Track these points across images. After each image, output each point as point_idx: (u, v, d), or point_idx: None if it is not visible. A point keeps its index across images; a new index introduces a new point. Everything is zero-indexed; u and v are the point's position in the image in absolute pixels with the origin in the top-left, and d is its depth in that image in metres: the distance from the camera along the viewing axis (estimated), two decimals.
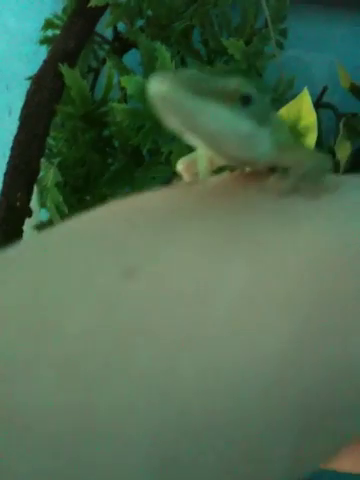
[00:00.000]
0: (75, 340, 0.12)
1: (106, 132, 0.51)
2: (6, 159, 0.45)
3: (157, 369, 0.12)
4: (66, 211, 0.51)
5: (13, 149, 0.45)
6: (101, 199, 0.52)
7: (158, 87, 0.14)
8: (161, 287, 0.14)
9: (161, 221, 0.16)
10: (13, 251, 0.15)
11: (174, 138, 0.49)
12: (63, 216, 0.51)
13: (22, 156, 0.44)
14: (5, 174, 0.44)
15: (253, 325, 0.13)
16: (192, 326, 0.13)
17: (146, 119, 0.46)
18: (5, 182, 0.44)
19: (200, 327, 0.13)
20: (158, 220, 0.16)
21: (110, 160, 0.51)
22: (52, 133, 0.48)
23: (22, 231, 0.45)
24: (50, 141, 0.49)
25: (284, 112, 0.39)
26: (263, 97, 0.16)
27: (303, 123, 0.39)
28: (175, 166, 0.48)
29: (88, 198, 0.53)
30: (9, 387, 0.11)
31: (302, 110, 0.40)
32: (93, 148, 0.51)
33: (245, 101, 0.16)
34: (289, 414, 0.13)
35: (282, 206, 0.16)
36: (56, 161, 0.49)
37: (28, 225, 0.47)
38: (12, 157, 0.44)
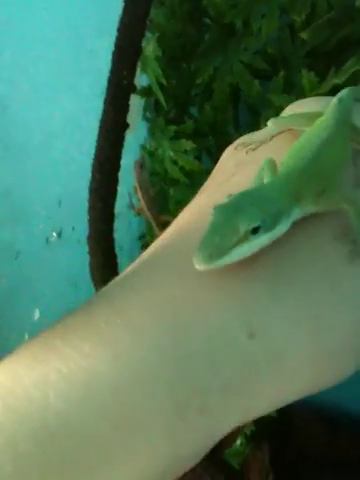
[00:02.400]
0: None
1: (202, 4, 0.54)
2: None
3: None
4: (164, 82, 0.57)
5: (119, 31, 0.50)
6: (196, 70, 0.57)
7: (197, 266, 0.20)
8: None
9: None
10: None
11: (264, 15, 0.52)
12: (162, 87, 0.57)
13: (127, 37, 0.50)
14: (113, 54, 0.51)
15: None
16: None
17: None
18: (113, 62, 0.51)
19: None
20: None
21: (205, 33, 0.55)
22: (153, 10, 0.52)
23: (128, 105, 0.53)
24: (151, 16, 0.53)
25: None
26: (274, 207, 0.21)
27: None
28: (266, 37, 0.55)
29: (184, 66, 0.58)
30: None
31: None
32: (190, 20, 0.54)
33: (255, 229, 0.21)
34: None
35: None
36: (156, 35, 0.54)
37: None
38: (118, 38, 0.50)
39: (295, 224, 0.22)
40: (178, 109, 0.61)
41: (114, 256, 0.54)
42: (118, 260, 0.57)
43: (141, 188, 0.63)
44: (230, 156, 0.31)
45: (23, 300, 0.54)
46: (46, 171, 0.57)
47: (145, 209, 0.63)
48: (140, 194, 0.63)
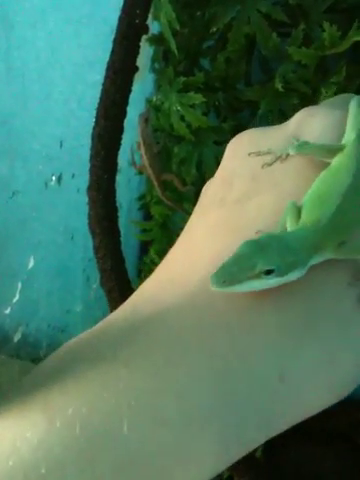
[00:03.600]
0: None
1: None
2: None
3: None
4: (177, 27, 0.54)
5: None
6: (210, 16, 0.54)
7: (211, 285, 0.23)
8: None
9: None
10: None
11: None
12: (174, 32, 0.54)
13: None
14: None
15: None
16: None
17: None
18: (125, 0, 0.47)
19: None
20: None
21: None
22: None
23: (139, 47, 0.49)
24: None
25: None
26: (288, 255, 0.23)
27: None
28: None
29: (199, 14, 0.55)
30: None
31: None
32: None
33: (269, 271, 0.23)
34: None
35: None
36: None
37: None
38: None
39: (313, 266, 0.25)
40: (189, 61, 0.58)
41: (115, 209, 0.51)
42: None
43: (144, 144, 0.59)
44: (241, 160, 0.31)
45: (18, 245, 0.51)
46: (49, 105, 0.53)
47: (147, 166, 0.60)
48: (143, 150, 0.60)
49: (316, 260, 0.24)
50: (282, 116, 0.57)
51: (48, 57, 0.58)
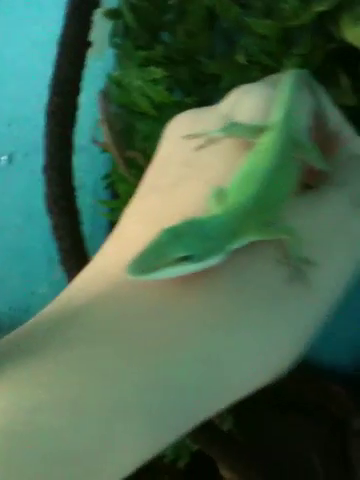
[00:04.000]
0: None
1: None
2: None
3: None
4: (135, 0, 0.52)
5: None
6: None
7: (128, 275, 0.22)
8: None
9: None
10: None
11: None
12: (132, 6, 0.52)
13: None
14: None
15: None
16: None
17: None
18: None
19: None
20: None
21: None
22: None
23: (91, 21, 0.48)
24: None
25: None
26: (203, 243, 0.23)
27: None
28: None
29: None
30: None
31: None
32: None
33: (186, 258, 0.23)
34: None
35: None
36: None
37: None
38: None
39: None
40: (148, 35, 0.56)
41: (72, 188, 0.50)
42: (80, 199, 0.53)
43: (106, 120, 0.58)
44: (175, 145, 0.31)
45: None
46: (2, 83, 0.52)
47: (109, 144, 0.59)
48: (105, 127, 0.58)
49: (240, 243, 0.24)
50: None
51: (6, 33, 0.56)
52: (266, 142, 0.27)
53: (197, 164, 0.28)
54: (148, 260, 0.22)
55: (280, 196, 0.26)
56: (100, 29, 0.53)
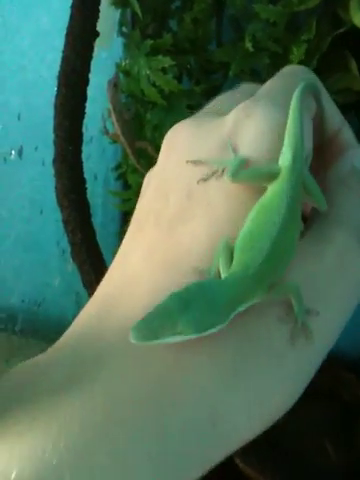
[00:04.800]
0: None
1: None
2: None
3: None
4: None
5: None
6: None
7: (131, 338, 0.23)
8: None
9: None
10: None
11: None
12: None
13: None
14: None
15: None
16: None
17: None
18: None
19: None
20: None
21: None
22: None
23: (98, 10, 0.48)
24: None
25: None
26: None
27: None
28: None
29: None
30: None
31: None
32: None
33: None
34: None
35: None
36: None
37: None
38: None
39: None
40: (156, 23, 0.56)
41: (82, 181, 0.51)
42: (91, 189, 0.53)
43: (115, 110, 0.58)
44: (175, 167, 0.29)
45: None
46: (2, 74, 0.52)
47: (119, 134, 0.59)
48: (114, 117, 0.58)
49: (245, 306, 0.24)
50: (255, 76, 0.56)
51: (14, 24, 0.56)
52: (274, 193, 0.26)
53: (201, 200, 0.27)
54: (152, 327, 0.23)
55: (287, 256, 0.25)
56: (107, 19, 0.53)
